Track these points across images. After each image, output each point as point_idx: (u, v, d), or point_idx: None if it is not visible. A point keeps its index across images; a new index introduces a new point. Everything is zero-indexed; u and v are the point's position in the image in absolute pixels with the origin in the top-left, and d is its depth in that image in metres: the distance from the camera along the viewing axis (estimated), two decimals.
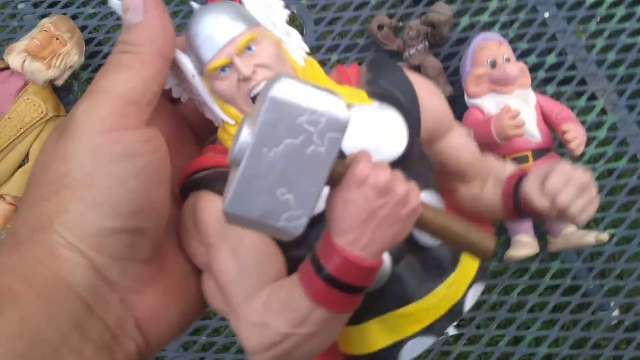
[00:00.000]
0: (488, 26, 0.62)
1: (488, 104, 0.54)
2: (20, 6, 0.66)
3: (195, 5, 0.30)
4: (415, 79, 0.31)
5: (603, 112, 0.60)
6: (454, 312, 0.30)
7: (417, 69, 0.60)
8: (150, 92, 0.26)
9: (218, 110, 0.29)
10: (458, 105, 0.60)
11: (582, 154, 0.58)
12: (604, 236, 0.51)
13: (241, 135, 0.22)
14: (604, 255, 0.56)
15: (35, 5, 0.66)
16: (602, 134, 0.59)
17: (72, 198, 0.24)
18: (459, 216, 0.26)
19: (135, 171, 0.25)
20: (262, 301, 0.26)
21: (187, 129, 0.32)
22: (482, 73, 0.55)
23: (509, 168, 0.34)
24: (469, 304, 0.30)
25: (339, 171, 0.24)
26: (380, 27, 0.62)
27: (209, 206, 0.28)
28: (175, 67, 0.29)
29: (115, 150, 0.25)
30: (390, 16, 0.63)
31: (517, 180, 0.32)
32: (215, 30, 0.28)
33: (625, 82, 0.60)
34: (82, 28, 0.64)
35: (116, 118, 0.25)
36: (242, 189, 0.22)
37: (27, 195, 0.26)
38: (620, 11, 0.62)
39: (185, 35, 0.29)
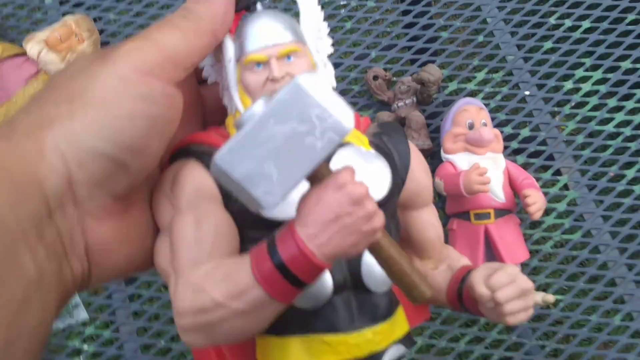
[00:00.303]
0: (473, 94, 0.68)
1: (461, 160, 0.59)
2: (47, 1, 0.70)
3: (259, 7, 0.32)
4: (414, 151, 0.34)
5: (565, 187, 0.65)
6: None
7: (403, 120, 0.65)
8: (190, 61, 0.28)
9: (237, 98, 0.31)
10: (435, 159, 0.64)
11: (541, 222, 0.63)
12: (550, 297, 0.55)
13: (255, 105, 0.24)
14: (549, 319, 0.60)
15: (61, 3, 0.71)
16: (561, 207, 0.64)
17: (82, 111, 0.25)
18: (408, 257, 0.28)
19: (148, 115, 0.26)
20: (207, 268, 0.27)
21: (199, 110, 0.34)
22: (460, 133, 0.60)
23: (463, 260, 0.36)
24: (388, 358, 0.31)
25: (323, 173, 0.26)
26: (375, 77, 0.67)
27: (192, 174, 0.29)
28: (217, 50, 0.31)
29: (139, 90, 0.26)
30: (386, 70, 0.69)
31: (467, 272, 0.34)
32: (266, 31, 0.30)
33: (589, 164, 0.66)
34: (101, 32, 0.68)
35: (153, 66, 0.26)
36: (237, 148, 0.24)
37: (41, 95, 0.27)
38: (593, 101, 0.68)
39: (240, 24, 0.31)
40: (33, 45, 0.61)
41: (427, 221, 0.35)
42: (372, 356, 0.30)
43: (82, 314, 0.59)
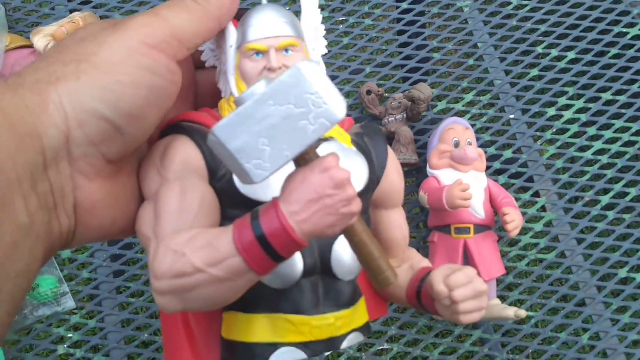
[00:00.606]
0: (460, 113, 0.71)
1: (445, 176, 0.61)
2: None
3: (264, 0, 0.34)
4: (391, 154, 0.36)
5: (543, 208, 0.68)
6: (331, 344, 0.32)
7: (392, 134, 0.68)
8: (194, 41, 0.29)
9: (233, 83, 0.32)
10: (421, 174, 0.67)
11: (518, 240, 0.65)
12: (522, 312, 0.58)
13: (256, 85, 0.26)
14: (520, 334, 0.62)
15: None
16: (538, 227, 0.66)
17: (88, 73, 0.26)
18: (378, 243, 0.29)
19: (150, 85, 0.27)
20: (189, 235, 0.28)
21: (192, 92, 0.35)
22: (445, 149, 0.62)
23: (424, 262, 0.38)
24: (345, 343, 0.33)
25: (310, 156, 0.27)
26: (368, 92, 0.70)
27: (182, 148, 0.31)
28: (219, 35, 0.33)
29: (145, 61, 0.27)
30: (379, 85, 0.72)
31: (427, 273, 0.36)
32: (269, 22, 0.32)
33: (567, 188, 0.69)
34: None
35: (160, 40, 0.28)
36: (235, 122, 0.26)
37: (51, 53, 0.28)
38: (574, 128, 0.71)
39: (245, 14, 0.33)
40: (40, 39, 0.63)
41: (395, 221, 0.37)
42: (332, 340, 0.32)
43: (69, 303, 0.61)
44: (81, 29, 0.29)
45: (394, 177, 0.36)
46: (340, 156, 0.32)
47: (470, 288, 0.34)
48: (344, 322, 0.33)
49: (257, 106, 0.26)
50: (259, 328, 0.32)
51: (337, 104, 0.26)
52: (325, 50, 0.35)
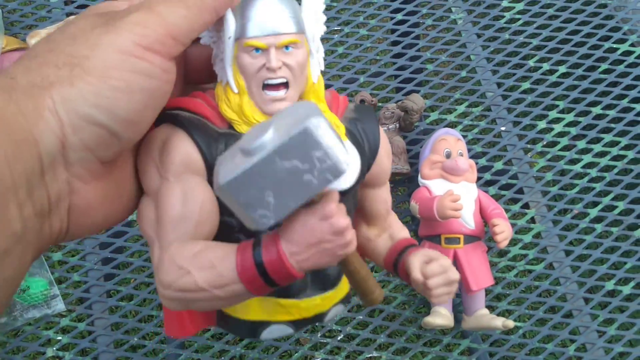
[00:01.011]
0: (453, 125, 0.72)
1: (436, 186, 0.62)
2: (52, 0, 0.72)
3: None
4: (383, 138, 0.37)
5: (532, 220, 0.68)
6: (317, 319, 0.36)
7: None
8: (189, 37, 0.28)
9: (231, 75, 0.32)
10: (412, 183, 0.67)
11: (507, 252, 0.66)
12: (510, 323, 0.58)
13: (265, 135, 0.27)
14: (507, 344, 0.63)
15: (66, 3, 0.73)
16: (527, 238, 0.67)
17: (82, 79, 0.26)
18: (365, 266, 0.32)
19: (145, 89, 0.27)
20: (195, 250, 0.29)
21: (181, 67, 0.33)
22: (437, 160, 0.63)
23: (403, 233, 0.40)
24: (329, 316, 0.36)
25: (314, 199, 0.28)
26: (362, 101, 0.71)
27: (181, 146, 0.31)
28: (218, 21, 0.31)
29: (139, 64, 0.27)
30: (373, 95, 0.72)
31: (405, 247, 0.38)
32: (272, 18, 0.31)
33: (556, 200, 0.69)
34: None
35: (155, 41, 0.27)
36: (243, 178, 0.27)
37: (41, 52, 0.27)
38: (564, 141, 0.72)
39: (245, 3, 0.31)
40: (37, 41, 0.63)
41: (379, 198, 0.38)
42: (317, 316, 0.36)
43: (60, 305, 0.61)
44: (71, 23, 0.28)
45: (383, 161, 0.37)
46: None
47: (443, 277, 0.36)
48: (329, 300, 0.36)
49: (265, 164, 0.27)
50: (251, 309, 0.35)
51: (340, 160, 0.27)
52: (323, 30, 0.34)
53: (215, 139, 0.31)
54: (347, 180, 0.34)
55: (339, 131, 0.34)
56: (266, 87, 0.31)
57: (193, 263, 0.29)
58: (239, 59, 0.31)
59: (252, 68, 0.31)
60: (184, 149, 0.31)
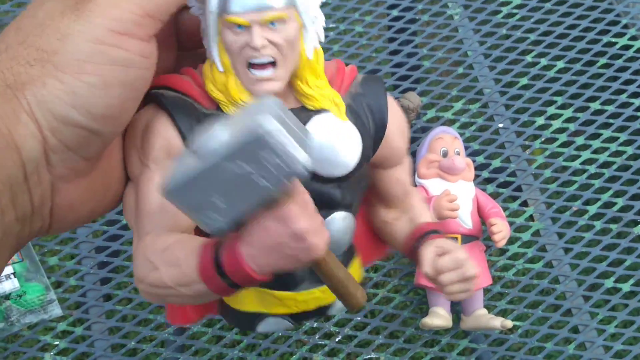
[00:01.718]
0: (450, 122, 0.71)
1: (433, 186, 0.61)
2: None
3: None
4: (394, 114, 0.33)
5: (531, 218, 0.68)
6: (319, 312, 0.34)
7: None
8: (168, 12, 0.26)
9: (216, 54, 0.30)
10: None
11: (506, 250, 0.66)
12: (509, 323, 0.58)
13: (213, 138, 0.25)
14: (507, 344, 0.63)
15: None
16: (526, 236, 0.67)
17: (54, 77, 0.24)
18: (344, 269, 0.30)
19: (123, 81, 0.25)
20: (164, 245, 0.28)
21: (173, 38, 0.31)
22: (434, 159, 0.62)
23: (424, 216, 0.37)
24: (335, 310, 0.35)
25: (275, 197, 0.26)
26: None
27: (162, 131, 0.29)
28: None
29: (115, 54, 0.25)
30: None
31: (425, 233, 0.36)
32: None
33: (555, 198, 0.69)
34: None
35: (130, 24, 0.25)
36: (189, 183, 0.25)
37: (11, 40, 0.25)
38: (563, 137, 0.72)
39: None
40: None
41: (395, 178, 0.36)
42: (320, 309, 0.34)
43: (56, 310, 0.61)
44: (37, 5, 0.26)
45: (394, 140, 0.34)
46: (332, 134, 0.31)
47: (457, 273, 0.33)
48: (330, 293, 0.32)
49: (212, 170, 0.25)
50: (248, 301, 0.34)
51: (294, 160, 0.25)
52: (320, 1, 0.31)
53: (200, 121, 0.30)
54: (344, 166, 0.32)
55: (338, 110, 0.31)
56: (252, 66, 0.29)
57: (161, 258, 0.28)
58: (222, 35, 0.29)
59: (235, 46, 0.29)
60: (164, 134, 0.29)
